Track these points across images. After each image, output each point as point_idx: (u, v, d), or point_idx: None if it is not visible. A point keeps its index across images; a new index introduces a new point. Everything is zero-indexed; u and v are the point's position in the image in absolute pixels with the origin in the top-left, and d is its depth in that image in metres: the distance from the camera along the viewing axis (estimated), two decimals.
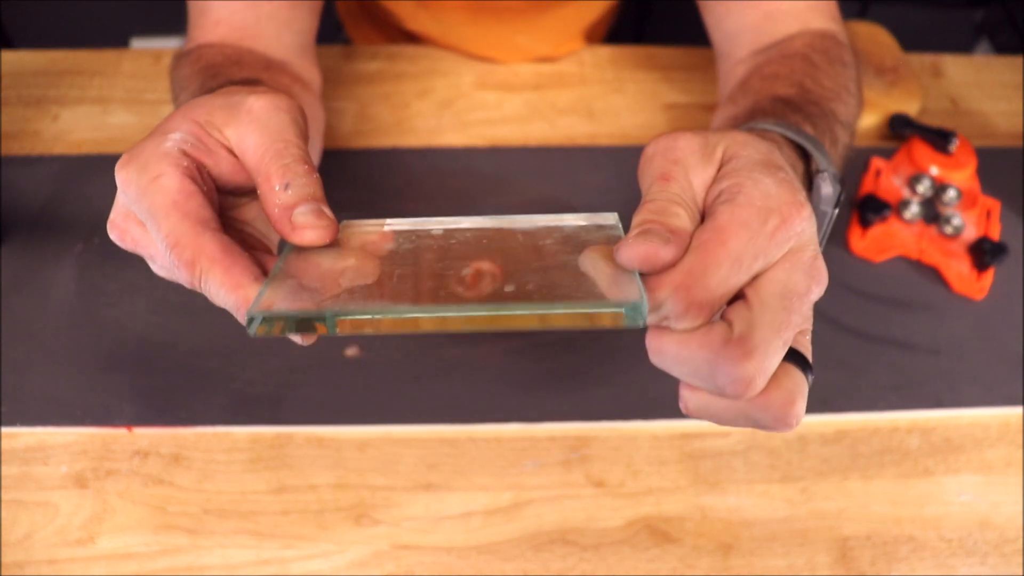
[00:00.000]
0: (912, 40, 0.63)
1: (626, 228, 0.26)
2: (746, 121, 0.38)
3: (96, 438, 0.43)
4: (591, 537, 0.41)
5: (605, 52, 0.65)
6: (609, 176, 0.56)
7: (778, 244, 0.24)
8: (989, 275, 0.51)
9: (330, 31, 0.79)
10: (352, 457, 0.43)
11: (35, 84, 0.60)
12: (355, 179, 0.54)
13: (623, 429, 0.45)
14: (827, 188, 0.33)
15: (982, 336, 0.49)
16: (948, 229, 0.52)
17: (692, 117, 0.60)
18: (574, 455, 0.44)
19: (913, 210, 0.52)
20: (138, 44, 1.03)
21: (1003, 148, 0.59)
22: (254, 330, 0.24)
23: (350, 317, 0.24)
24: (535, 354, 0.47)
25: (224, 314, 0.49)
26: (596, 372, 0.46)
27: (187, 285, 0.26)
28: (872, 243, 0.52)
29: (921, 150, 0.54)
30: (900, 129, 0.56)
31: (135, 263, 0.50)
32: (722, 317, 0.25)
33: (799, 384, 0.25)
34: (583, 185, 0.55)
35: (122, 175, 0.27)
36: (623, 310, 0.23)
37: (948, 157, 0.54)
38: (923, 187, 0.53)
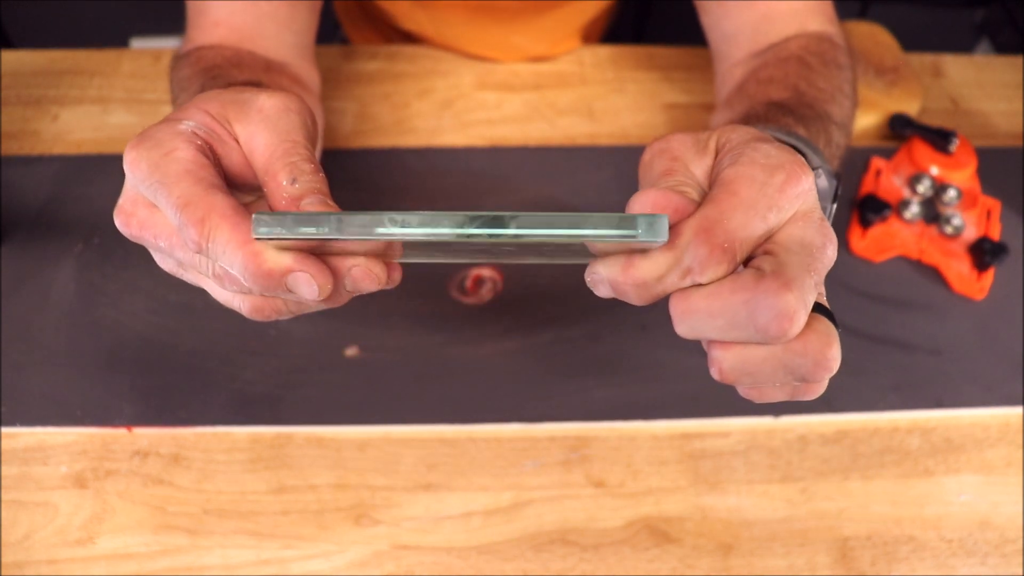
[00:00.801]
0: (912, 40, 0.63)
1: None
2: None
3: (96, 438, 0.43)
4: (591, 537, 0.41)
5: (605, 52, 0.65)
6: (609, 176, 0.56)
7: (788, 199, 0.24)
8: (989, 275, 0.51)
9: (328, 30, 0.79)
10: (352, 457, 0.43)
11: (35, 84, 0.60)
12: (355, 179, 0.54)
13: (623, 429, 0.45)
14: (823, 182, 0.33)
15: (983, 336, 0.49)
16: (948, 229, 0.52)
17: (692, 117, 0.60)
18: (574, 455, 0.44)
19: (913, 210, 0.52)
20: (138, 44, 1.03)
21: (1003, 148, 0.59)
22: (259, 230, 0.23)
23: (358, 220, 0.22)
24: (535, 354, 0.47)
25: (224, 314, 0.48)
26: (596, 372, 0.46)
27: (193, 248, 0.26)
28: (872, 243, 0.52)
29: (921, 150, 0.54)
30: (900, 129, 0.56)
31: (135, 263, 0.50)
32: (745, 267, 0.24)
33: (831, 329, 0.24)
34: (584, 185, 0.55)
35: (132, 155, 0.27)
36: (647, 220, 0.22)
37: (948, 157, 0.54)
38: (923, 187, 0.53)
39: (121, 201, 0.28)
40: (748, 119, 0.39)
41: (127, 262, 0.50)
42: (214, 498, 0.42)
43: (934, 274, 0.52)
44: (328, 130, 0.58)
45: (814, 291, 0.24)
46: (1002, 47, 1.07)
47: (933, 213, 0.53)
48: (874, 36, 0.62)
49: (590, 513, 0.42)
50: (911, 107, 0.58)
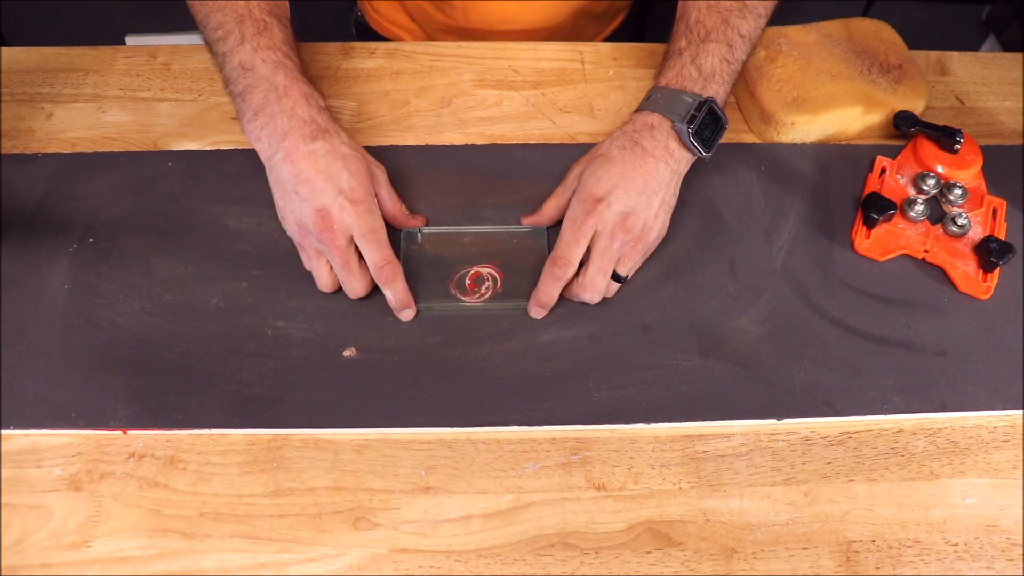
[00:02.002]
0: (918, 37, 0.62)
1: None
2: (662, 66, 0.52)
3: (90, 440, 0.43)
4: (592, 540, 0.40)
5: (606, 49, 0.64)
6: None
7: (589, 227, 0.47)
8: (995, 275, 0.50)
9: (341, 28, 0.78)
10: (350, 459, 0.43)
11: (29, 82, 0.59)
12: None
13: (624, 431, 0.44)
14: (681, 128, 0.48)
15: (988, 338, 0.48)
16: (954, 228, 0.51)
17: None
18: (574, 457, 0.43)
19: (918, 209, 0.52)
20: (133, 41, 1.02)
21: (1009, 146, 0.59)
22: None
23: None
24: (535, 356, 0.46)
25: (220, 314, 0.48)
26: (597, 373, 0.46)
27: (364, 277, 0.47)
28: (876, 242, 0.52)
29: (926, 148, 0.54)
30: (905, 127, 0.55)
31: (130, 263, 0.49)
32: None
33: (600, 282, 0.47)
34: None
35: (367, 222, 0.46)
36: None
37: (954, 156, 0.53)
38: (929, 186, 0.52)
39: (328, 223, 0.45)
40: (662, 63, 0.53)
41: (122, 262, 0.49)
42: (210, 501, 0.41)
43: (939, 274, 0.51)
44: None
45: (604, 275, 0.47)
46: (1008, 44, 1.07)
47: (938, 212, 0.52)
48: (879, 33, 0.61)
49: (591, 516, 0.41)
50: (916, 105, 0.58)
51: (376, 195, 0.48)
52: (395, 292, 0.46)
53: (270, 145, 0.46)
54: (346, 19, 0.80)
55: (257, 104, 0.47)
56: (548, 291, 0.47)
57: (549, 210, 0.51)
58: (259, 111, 0.47)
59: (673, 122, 0.48)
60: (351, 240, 0.46)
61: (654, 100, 0.49)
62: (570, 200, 0.48)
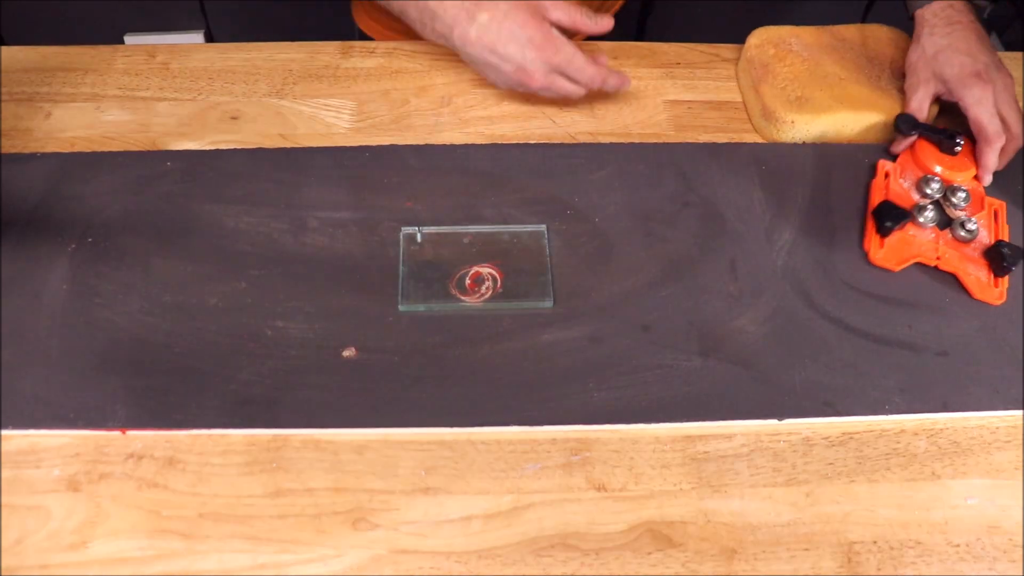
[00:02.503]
0: None
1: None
2: None
3: (89, 441, 0.43)
4: (592, 541, 0.40)
5: (607, 48, 0.64)
6: (612, 174, 0.55)
7: None
8: (1006, 280, 0.50)
9: (341, 28, 0.78)
10: (350, 460, 0.43)
11: (27, 81, 0.59)
12: (353, 177, 0.54)
13: (625, 432, 0.44)
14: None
15: (990, 338, 0.48)
16: (962, 233, 0.51)
17: (695, 113, 0.60)
18: (575, 458, 0.43)
19: (928, 215, 0.51)
20: (132, 40, 1.02)
21: None
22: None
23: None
24: (535, 356, 0.46)
25: (220, 314, 0.48)
26: (596, 374, 0.45)
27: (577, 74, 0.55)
28: (890, 252, 0.51)
29: (926, 151, 0.54)
30: (906, 129, 0.55)
31: (129, 263, 0.49)
32: None
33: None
34: (585, 183, 0.54)
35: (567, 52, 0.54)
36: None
37: (953, 158, 0.53)
38: (933, 189, 0.52)
39: (529, 76, 0.54)
40: None
41: (121, 262, 0.49)
42: (210, 502, 0.41)
43: (939, 275, 0.51)
44: (326, 127, 0.57)
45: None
46: (1009, 44, 1.07)
47: (945, 218, 0.52)
48: (896, 42, 0.61)
49: (591, 517, 0.41)
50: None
51: (551, 23, 0.54)
52: (611, 86, 0.56)
53: (447, 40, 0.54)
54: (347, 19, 0.80)
55: (414, 17, 0.55)
56: (993, 162, 0.53)
57: (920, 105, 0.55)
58: (422, 22, 0.55)
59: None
60: (551, 70, 0.54)
61: None
62: (932, 90, 0.55)
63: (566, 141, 0.57)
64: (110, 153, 0.55)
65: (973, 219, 0.51)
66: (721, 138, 0.58)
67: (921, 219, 0.51)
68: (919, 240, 0.51)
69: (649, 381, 0.45)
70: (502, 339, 0.47)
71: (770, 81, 0.57)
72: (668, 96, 0.61)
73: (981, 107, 0.52)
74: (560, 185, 0.54)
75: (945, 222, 0.52)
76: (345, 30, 0.80)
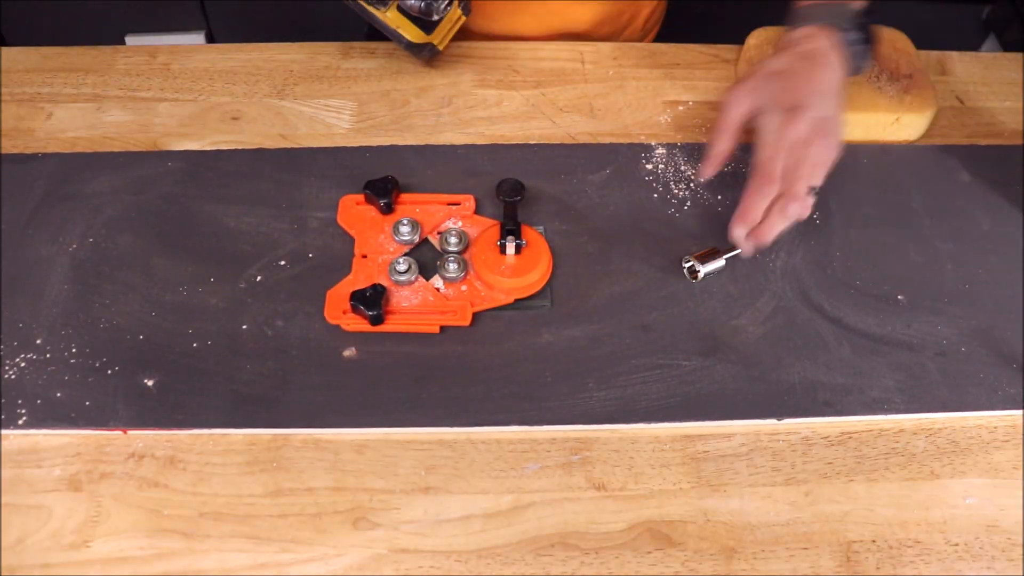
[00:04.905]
0: (918, 37, 0.62)
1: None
2: None
3: (90, 440, 0.43)
4: (592, 541, 0.40)
5: (606, 49, 0.64)
6: (611, 174, 0.55)
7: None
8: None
9: (342, 28, 0.78)
10: (350, 459, 0.43)
11: (29, 82, 0.59)
12: (353, 177, 0.54)
13: (624, 431, 0.44)
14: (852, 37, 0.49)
15: (988, 338, 0.48)
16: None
17: (695, 114, 0.60)
18: (575, 458, 0.43)
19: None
20: (133, 41, 1.02)
21: (1009, 146, 0.59)
22: None
23: None
24: (535, 356, 0.46)
25: (220, 314, 0.48)
26: (596, 374, 0.46)
27: None
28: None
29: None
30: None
31: (130, 263, 0.49)
32: None
33: None
34: (585, 183, 0.54)
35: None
36: None
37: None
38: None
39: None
40: None
41: (122, 262, 0.49)
42: (210, 501, 0.41)
43: (939, 275, 0.51)
44: (326, 128, 0.58)
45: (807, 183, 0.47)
46: (1008, 44, 1.07)
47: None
48: (894, 42, 0.61)
49: (591, 516, 0.41)
50: (923, 115, 0.58)
51: None
52: None
53: None
54: (347, 19, 0.80)
55: None
56: (756, 206, 0.46)
57: (721, 152, 0.49)
58: None
59: (837, 30, 0.48)
60: None
61: (808, 13, 0.49)
62: (734, 133, 0.48)
63: (566, 141, 0.57)
64: (111, 153, 0.55)
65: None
66: None
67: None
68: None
69: (648, 381, 0.45)
70: (502, 339, 0.47)
71: None
72: (668, 96, 0.61)
73: (771, 141, 0.46)
74: (560, 185, 0.54)
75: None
76: (346, 31, 0.80)
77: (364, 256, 0.49)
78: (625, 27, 0.70)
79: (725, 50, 0.64)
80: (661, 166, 0.56)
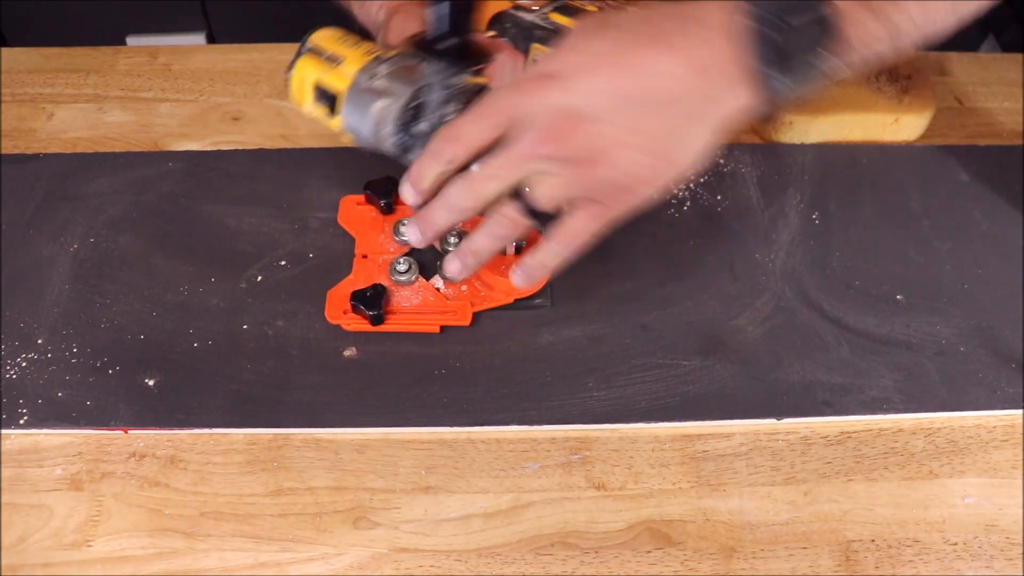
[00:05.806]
0: None
1: None
2: None
3: (91, 440, 0.43)
4: (592, 540, 0.40)
5: None
6: None
7: None
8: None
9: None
10: (350, 459, 0.43)
11: (30, 82, 0.59)
12: (353, 177, 0.54)
13: (624, 431, 0.44)
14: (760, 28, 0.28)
15: (987, 337, 0.48)
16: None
17: None
18: (575, 457, 0.43)
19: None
20: (134, 42, 1.02)
21: (1008, 146, 0.59)
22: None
23: None
24: (535, 356, 0.46)
25: (220, 314, 0.48)
26: (596, 374, 0.46)
27: None
28: None
29: None
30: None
31: (131, 263, 0.50)
32: None
33: None
34: None
35: None
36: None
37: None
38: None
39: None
40: None
41: (123, 262, 0.50)
42: (211, 500, 0.41)
43: (939, 275, 0.51)
44: (327, 128, 0.57)
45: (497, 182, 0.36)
46: (1008, 45, 1.07)
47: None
48: None
49: (591, 516, 0.41)
50: (922, 115, 0.58)
51: None
52: None
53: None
54: (347, 20, 0.80)
55: None
56: (420, 169, 0.33)
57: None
58: None
59: (750, 12, 0.28)
60: None
61: None
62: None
63: None
64: (112, 154, 0.55)
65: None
66: None
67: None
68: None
69: (648, 381, 0.45)
70: (502, 339, 0.47)
71: None
72: None
73: (483, 103, 0.31)
74: None
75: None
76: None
77: (364, 256, 0.50)
78: None
79: None
80: None
